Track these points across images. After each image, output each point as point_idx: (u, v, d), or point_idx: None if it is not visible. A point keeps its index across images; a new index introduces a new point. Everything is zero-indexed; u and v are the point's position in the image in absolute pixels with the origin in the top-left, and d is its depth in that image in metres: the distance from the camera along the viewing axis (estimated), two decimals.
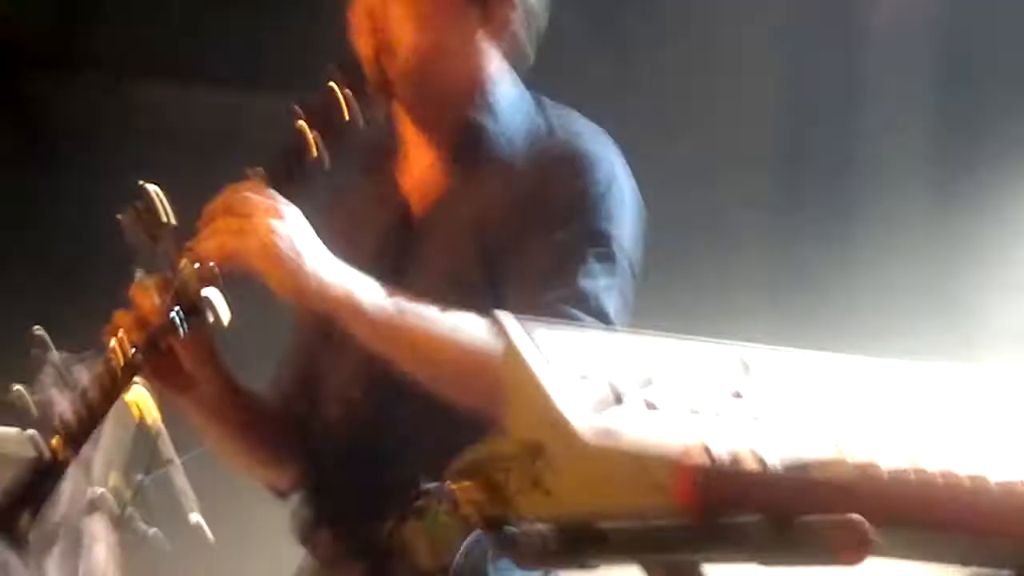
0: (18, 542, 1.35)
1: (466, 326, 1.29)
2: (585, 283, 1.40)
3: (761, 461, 0.72)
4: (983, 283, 3.13)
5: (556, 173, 1.48)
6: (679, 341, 0.87)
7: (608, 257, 1.44)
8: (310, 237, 1.34)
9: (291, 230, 1.32)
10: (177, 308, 1.33)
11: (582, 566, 0.78)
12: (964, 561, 0.83)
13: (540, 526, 0.77)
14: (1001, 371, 0.97)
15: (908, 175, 3.28)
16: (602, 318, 1.37)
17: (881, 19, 3.32)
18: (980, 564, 0.83)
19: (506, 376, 0.81)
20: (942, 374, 0.93)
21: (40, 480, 1.37)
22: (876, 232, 3.27)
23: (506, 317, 0.83)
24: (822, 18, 3.31)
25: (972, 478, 0.77)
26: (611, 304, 1.41)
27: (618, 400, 0.78)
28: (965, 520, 0.77)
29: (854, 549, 0.70)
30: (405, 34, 1.46)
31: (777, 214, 3.36)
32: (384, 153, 1.60)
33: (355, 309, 1.33)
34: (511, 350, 0.81)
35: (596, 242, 1.44)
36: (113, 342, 1.36)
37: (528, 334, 0.82)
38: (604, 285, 1.41)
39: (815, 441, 0.78)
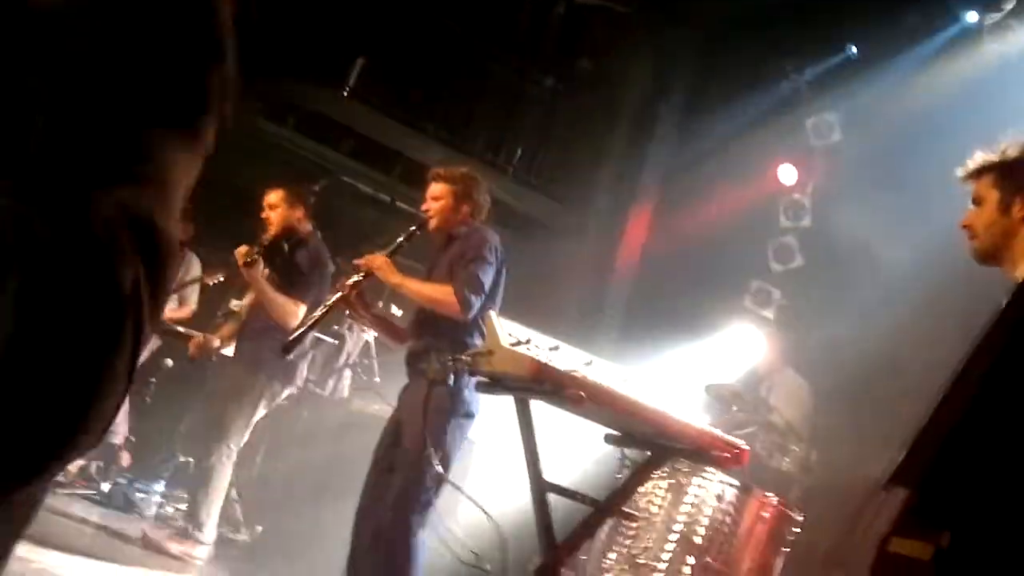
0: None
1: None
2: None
3: (568, 370, 2.39)
4: None
5: None
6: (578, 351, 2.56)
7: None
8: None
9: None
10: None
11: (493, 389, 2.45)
12: (611, 426, 2.50)
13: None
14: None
15: None
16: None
17: None
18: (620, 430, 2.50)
19: (488, 330, 2.49)
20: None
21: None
22: None
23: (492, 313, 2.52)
24: None
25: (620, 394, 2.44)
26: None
27: (527, 343, 2.44)
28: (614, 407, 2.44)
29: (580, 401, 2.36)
30: None
31: None
32: None
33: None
34: (490, 323, 2.49)
35: None
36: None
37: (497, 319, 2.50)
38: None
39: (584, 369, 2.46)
